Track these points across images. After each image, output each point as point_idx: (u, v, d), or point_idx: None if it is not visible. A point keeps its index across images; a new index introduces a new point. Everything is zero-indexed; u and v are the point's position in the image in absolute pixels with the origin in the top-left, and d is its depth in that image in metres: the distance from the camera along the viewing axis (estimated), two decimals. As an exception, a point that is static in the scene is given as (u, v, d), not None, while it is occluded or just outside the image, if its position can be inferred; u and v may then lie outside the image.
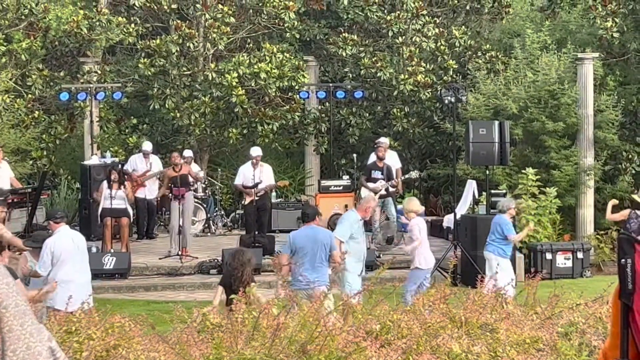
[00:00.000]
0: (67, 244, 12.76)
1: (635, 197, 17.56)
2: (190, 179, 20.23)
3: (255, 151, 20.66)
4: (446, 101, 19.87)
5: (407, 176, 21.31)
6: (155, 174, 21.40)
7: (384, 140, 21.46)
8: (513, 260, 18.26)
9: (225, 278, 12.12)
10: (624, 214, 17.14)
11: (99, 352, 7.76)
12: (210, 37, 22.73)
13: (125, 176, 20.91)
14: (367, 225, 18.70)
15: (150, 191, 21.62)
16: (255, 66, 22.48)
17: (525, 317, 9.12)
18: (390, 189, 20.47)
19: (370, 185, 20.57)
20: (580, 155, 22.12)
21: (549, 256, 19.42)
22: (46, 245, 12.66)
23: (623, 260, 3.48)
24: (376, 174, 20.62)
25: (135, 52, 24.08)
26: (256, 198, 20.00)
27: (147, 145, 21.70)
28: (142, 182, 21.34)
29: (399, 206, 19.72)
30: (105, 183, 19.53)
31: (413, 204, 15.95)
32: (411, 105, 24.13)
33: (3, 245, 12.19)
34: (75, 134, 24.98)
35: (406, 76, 23.17)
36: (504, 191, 19.73)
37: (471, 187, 20.50)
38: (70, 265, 12.65)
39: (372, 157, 21.14)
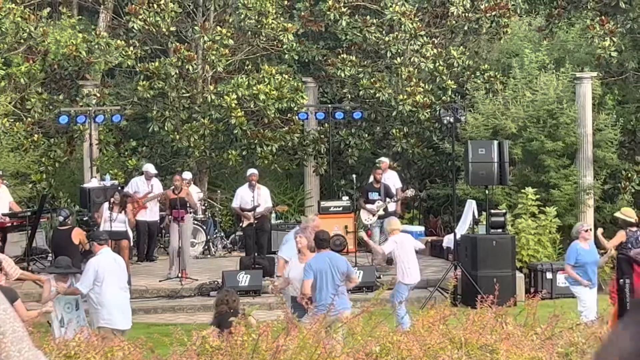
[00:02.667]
0: (109, 265, 13.39)
1: (618, 214, 17.54)
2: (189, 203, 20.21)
3: (251, 170, 20.74)
4: (445, 121, 19.88)
5: (402, 195, 21.28)
6: (156, 195, 21.36)
7: (383, 160, 21.54)
8: (513, 279, 18.30)
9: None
10: (620, 236, 17.09)
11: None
12: (209, 59, 22.76)
13: (128, 198, 20.88)
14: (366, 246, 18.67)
15: (151, 213, 21.54)
16: (254, 88, 22.51)
17: (525, 337, 9.09)
18: (390, 209, 20.45)
19: (368, 206, 20.60)
20: (579, 174, 22.12)
21: (549, 275, 19.39)
22: (90, 264, 13.41)
23: (622, 280, 3.48)
24: (373, 196, 20.65)
25: (134, 75, 24.13)
26: (254, 221, 19.99)
27: (150, 167, 21.60)
28: (143, 204, 21.29)
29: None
30: (106, 205, 19.49)
31: (393, 222, 16.49)
32: (410, 125, 24.14)
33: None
34: (75, 157, 24.97)
35: (405, 96, 23.19)
36: (504, 211, 19.71)
37: (471, 207, 20.48)
38: (113, 285, 13.27)
39: (372, 178, 21.18)
